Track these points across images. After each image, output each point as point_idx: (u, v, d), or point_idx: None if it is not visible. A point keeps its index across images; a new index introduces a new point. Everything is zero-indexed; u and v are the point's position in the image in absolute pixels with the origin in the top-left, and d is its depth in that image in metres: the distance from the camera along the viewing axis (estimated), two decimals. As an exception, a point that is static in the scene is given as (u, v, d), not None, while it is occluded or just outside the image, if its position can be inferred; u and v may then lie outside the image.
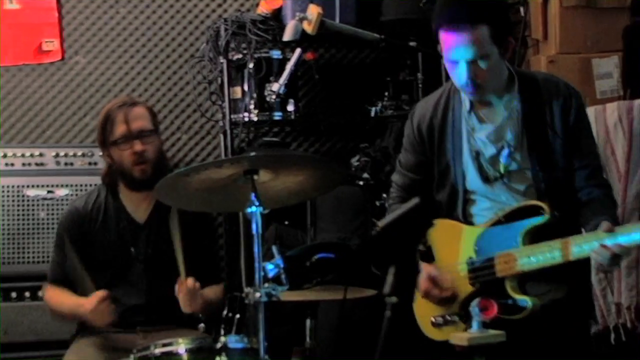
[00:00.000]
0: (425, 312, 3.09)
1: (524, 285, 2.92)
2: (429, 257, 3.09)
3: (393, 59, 5.09)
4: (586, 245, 2.71)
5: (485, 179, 3.02)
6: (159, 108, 5.14)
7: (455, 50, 2.86)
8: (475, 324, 2.62)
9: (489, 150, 3.02)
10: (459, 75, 2.90)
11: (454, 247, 3.03)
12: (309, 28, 3.70)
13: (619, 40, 4.49)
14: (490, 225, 2.98)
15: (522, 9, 4.81)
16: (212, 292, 3.65)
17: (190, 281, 3.38)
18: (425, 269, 3.02)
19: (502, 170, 2.99)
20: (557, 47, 4.55)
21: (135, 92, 5.11)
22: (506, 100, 2.99)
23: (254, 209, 2.86)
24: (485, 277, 2.93)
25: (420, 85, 4.93)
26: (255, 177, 2.90)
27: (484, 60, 2.86)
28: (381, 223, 1.31)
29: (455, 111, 3.07)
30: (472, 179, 3.05)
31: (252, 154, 3.14)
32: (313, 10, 3.71)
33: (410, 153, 3.20)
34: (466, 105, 3.05)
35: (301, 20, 3.73)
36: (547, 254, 2.79)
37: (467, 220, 3.07)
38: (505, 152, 2.98)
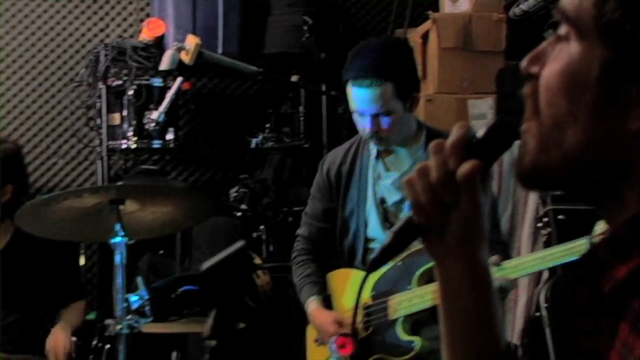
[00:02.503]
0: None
1: (418, 328, 2.95)
2: (329, 307, 3.12)
3: (275, 91, 5.12)
4: None
5: (389, 225, 3.05)
6: (35, 131, 5.03)
7: (360, 104, 2.92)
8: (333, 361, 2.64)
9: (393, 197, 3.05)
10: (364, 127, 2.96)
11: (345, 294, 3.07)
12: (186, 58, 3.67)
13: (493, 83, 4.61)
14: (387, 270, 3.00)
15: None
16: (74, 315, 3.67)
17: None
18: (328, 315, 3.05)
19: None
20: (435, 87, 4.64)
21: (11, 114, 4.99)
22: (412, 150, 3.04)
23: (118, 239, 2.82)
24: (379, 320, 2.96)
25: (301, 118, 4.97)
26: (122, 207, 2.86)
27: (388, 115, 2.91)
28: (204, 265, 1.31)
29: (364, 159, 3.11)
30: (374, 226, 3.08)
31: (120, 183, 3.08)
32: (191, 41, 3.69)
33: (318, 200, 3.22)
34: (373, 153, 3.09)
35: (179, 50, 3.71)
36: (421, 297, 2.84)
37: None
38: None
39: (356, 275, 3.06)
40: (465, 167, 1.07)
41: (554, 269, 3.64)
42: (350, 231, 3.11)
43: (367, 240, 3.09)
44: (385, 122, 2.91)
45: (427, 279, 2.89)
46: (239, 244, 1.27)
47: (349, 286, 3.07)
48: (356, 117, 2.98)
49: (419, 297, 2.87)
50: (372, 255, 1.17)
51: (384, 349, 2.94)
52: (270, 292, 4.46)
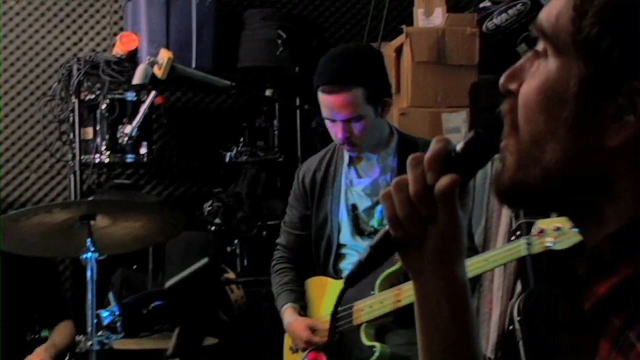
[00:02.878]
0: None
1: (383, 334, 2.96)
2: (306, 314, 3.14)
3: (250, 104, 5.12)
4: None
5: (360, 232, 3.06)
6: (7, 146, 5.00)
7: (331, 110, 2.93)
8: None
9: (365, 204, 3.07)
10: (335, 133, 2.96)
11: (323, 302, 3.08)
12: (158, 72, 3.66)
13: (467, 96, 4.63)
14: None
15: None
16: (61, 336, 3.63)
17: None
18: (302, 321, 3.06)
19: (375, 224, 3.03)
20: (408, 101, 4.65)
21: (-17, 128, 4.95)
22: (382, 156, 3.05)
23: (89, 254, 2.81)
24: (345, 326, 2.96)
25: (276, 132, 4.97)
26: (93, 222, 2.85)
27: (359, 120, 2.92)
28: (168, 283, 1.31)
29: (338, 166, 3.13)
30: (346, 233, 3.09)
31: (90, 198, 3.07)
32: (163, 55, 3.68)
33: (295, 208, 3.23)
34: (346, 159, 3.10)
35: (151, 64, 3.69)
36: (381, 302, 2.85)
37: (338, 275, 3.10)
38: (380, 207, 3.02)
39: (332, 284, 3.07)
40: (443, 182, 1.06)
41: (528, 283, 3.65)
42: (324, 237, 3.12)
43: (339, 246, 3.10)
44: (356, 127, 2.92)
45: (389, 284, 2.89)
46: (203, 261, 1.26)
47: (326, 295, 3.08)
48: (328, 124, 2.99)
49: (379, 302, 2.88)
50: (349, 270, 1.16)
51: (350, 355, 2.96)
52: (244, 307, 4.44)
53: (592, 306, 0.94)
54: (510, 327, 3.59)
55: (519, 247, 2.65)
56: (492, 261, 2.70)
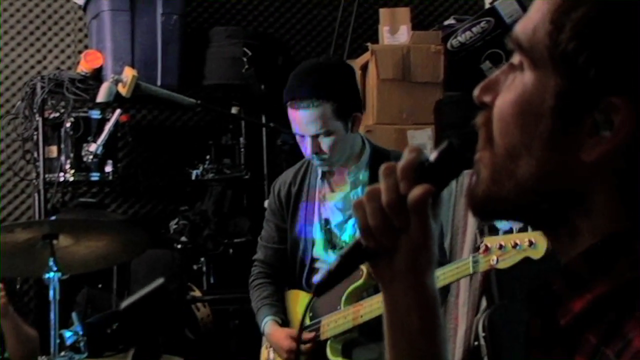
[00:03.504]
0: None
1: (351, 349, 2.95)
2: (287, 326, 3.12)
3: (215, 122, 5.11)
4: (376, 304, 2.76)
5: (332, 246, 3.06)
6: (-30, 164, 4.95)
7: (299, 125, 2.92)
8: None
9: (337, 218, 3.06)
10: (305, 148, 2.96)
11: (297, 315, 3.07)
12: (123, 90, 3.64)
13: (432, 113, 4.66)
14: None
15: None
16: (31, 329, 3.58)
17: None
18: (282, 331, 3.02)
19: (347, 239, 3.03)
20: (374, 118, 4.67)
21: (-55, 147, 4.90)
22: (353, 171, 3.04)
23: (51, 274, 2.79)
24: (315, 341, 2.96)
25: (242, 150, 4.97)
26: (55, 241, 2.83)
27: (328, 135, 2.90)
28: (123, 304, 1.30)
29: (311, 179, 3.12)
30: (319, 247, 3.09)
31: (53, 218, 3.05)
32: (128, 73, 3.66)
33: (271, 222, 3.20)
34: (319, 173, 3.10)
35: (115, 82, 3.68)
36: (344, 317, 2.85)
37: (311, 289, 3.09)
38: (352, 221, 3.02)
39: (304, 297, 3.07)
40: (416, 192, 1.05)
41: (492, 298, 3.67)
42: (298, 251, 3.11)
43: (313, 260, 3.10)
44: (325, 143, 2.91)
45: (355, 299, 2.89)
46: (158, 281, 1.25)
47: (298, 308, 3.07)
48: (298, 138, 2.98)
49: (343, 317, 2.88)
50: (318, 279, 1.15)
51: None
52: (210, 325, 4.43)
53: (568, 322, 0.93)
54: (476, 343, 3.61)
55: (466, 265, 2.65)
56: (442, 279, 2.69)
